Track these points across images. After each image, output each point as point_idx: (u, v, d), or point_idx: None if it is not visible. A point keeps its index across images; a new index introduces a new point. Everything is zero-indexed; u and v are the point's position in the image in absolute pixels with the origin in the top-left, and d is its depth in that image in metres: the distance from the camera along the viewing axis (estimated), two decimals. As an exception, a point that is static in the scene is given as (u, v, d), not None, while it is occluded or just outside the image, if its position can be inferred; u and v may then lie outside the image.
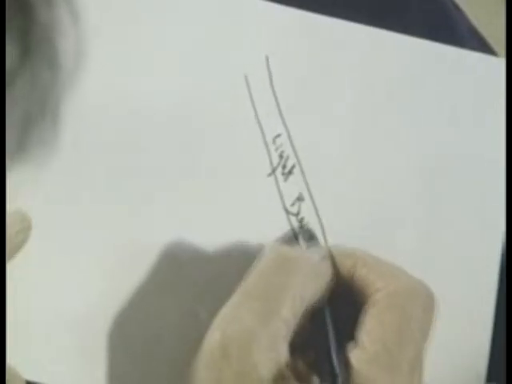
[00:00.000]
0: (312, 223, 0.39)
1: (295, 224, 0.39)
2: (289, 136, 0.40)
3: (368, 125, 0.40)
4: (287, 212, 0.39)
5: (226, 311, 0.30)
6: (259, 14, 0.40)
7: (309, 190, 0.40)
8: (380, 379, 0.29)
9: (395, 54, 0.41)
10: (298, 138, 0.40)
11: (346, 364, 0.30)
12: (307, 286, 0.31)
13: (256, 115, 0.40)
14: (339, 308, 0.33)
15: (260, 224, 0.39)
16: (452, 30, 0.44)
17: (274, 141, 0.40)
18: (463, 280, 0.40)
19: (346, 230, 0.40)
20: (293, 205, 0.39)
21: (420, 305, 0.31)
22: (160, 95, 0.39)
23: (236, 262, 0.37)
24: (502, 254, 0.39)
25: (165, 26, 0.39)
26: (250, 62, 0.40)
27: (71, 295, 0.37)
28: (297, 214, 0.39)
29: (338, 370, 0.30)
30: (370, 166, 0.40)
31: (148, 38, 0.39)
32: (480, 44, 0.45)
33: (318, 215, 0.39)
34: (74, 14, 0.19)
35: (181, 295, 0.38)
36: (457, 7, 0.45)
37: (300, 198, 0.39)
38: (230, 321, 0.29)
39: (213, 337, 0.29)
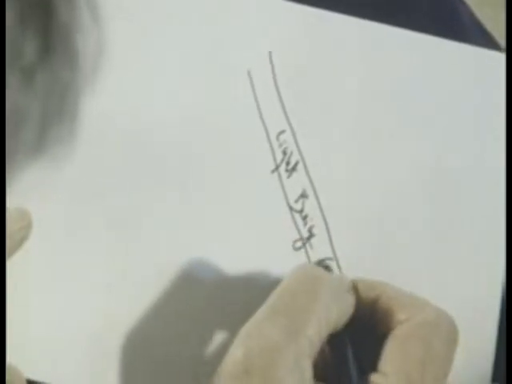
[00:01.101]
0: (316, 220, 0.39)
1: (299, 222, 0.39)
2: (292, 132, 0.39)
3: (372, 121, 0.40)
4: (291, 209, 0.39)
5: (250, 326, 0.30)
6: (262, 8, 0.40)
7: (313, 186, 0.39)
8: None
9: (401, 50, 0.41)
10: (301, 134, 0.40)
11: None
12: (333, 310, 0.31)
13: (259, 111, 0.39)
14: (360, 337, 0.33)
15: (263, 221, 0.39)
16: (456, 24, 0.44)
17: (277, 137, 0.39)
18: (468, 283, 0.40)
19: (351, 226, 0.39)
20: (297, 201, 0.39)
21: (443, 336, 0.31)
22: (163, 94, 0.39)
23: (255, 288, 0.37)
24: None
25: (168, 23, 0.39)
26: (253, 57, 0.39)
27: (85, 312, 0.37)
28: (301, 211, 0.39)
29: None
30: (375, 162, 0.40)
31: (151, 36, 0.39)
32: (485, 38, 0.45)
33: (322, 212, 0.39)
34: (94, 14, 0.19)
35: (197, 317, 0.38)
36: (461, 1, 0.45)
37: (304, 195, 0.39)
38: (254, 336, 0.29)
39: (236, 351, 0.29)
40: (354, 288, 0.34)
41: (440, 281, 0.40)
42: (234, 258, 0.38)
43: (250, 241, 0.39)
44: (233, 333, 0.31)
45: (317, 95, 0.40)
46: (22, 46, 0.16)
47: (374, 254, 0.39)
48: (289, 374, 0.28)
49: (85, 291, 0.37)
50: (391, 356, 0.31)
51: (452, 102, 0.41)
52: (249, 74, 0.39)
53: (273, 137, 0.39)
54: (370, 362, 0.31)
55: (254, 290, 0.38)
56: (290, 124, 0.39)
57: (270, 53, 0.40)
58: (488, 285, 0.40)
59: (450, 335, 0.31)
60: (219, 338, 0.37)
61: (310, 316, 0.30)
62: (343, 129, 0.40)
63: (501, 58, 0.41)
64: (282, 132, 0.39)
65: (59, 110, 0.18)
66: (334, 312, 0.31)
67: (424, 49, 0.41)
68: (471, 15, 0.45)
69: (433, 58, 0.41)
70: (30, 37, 0.17)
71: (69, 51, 0.18)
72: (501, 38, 0.45)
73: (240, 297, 0.38)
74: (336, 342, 0.32)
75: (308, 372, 0.29)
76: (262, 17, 0.40)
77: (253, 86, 0.39)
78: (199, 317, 0.37)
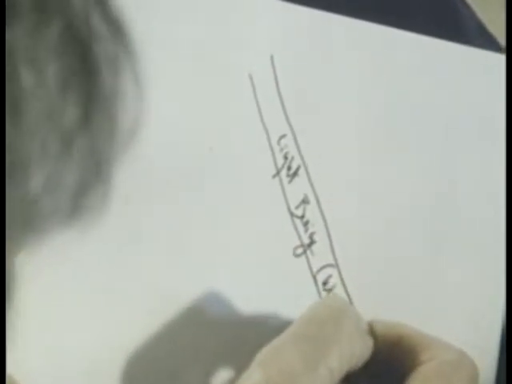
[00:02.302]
0: (317, 226, 0.39)
1: (300, 228, 0.38)
2: (294, 137, 0.39)
3: (375, 126, 0.40)
4: (292, 214, 0.39)
5: (271, 349, 0.30)
6: (264, 11, 0.39)
7: (314, 192, 0.39)
8: None
9: (403, 53, 0.40)
10: (303, 139, 0.39)
11: None
12: (357, 345, 0.31)
13: (260, 115, 0.39)
14: (378, 377, 0.33)
15: (264, 227, 0.38)
16: (460, 26, 0.43)
17: (278, 142, 0.39)
18: (470, 295, 0.40)
19: (352, 233, 0.39)
20: (298, 207, 0.39)
21: (465, 377, 0.31)
22: (162, 97, 0.38)
23: (266, 327, 0.36)
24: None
25: (168, 25, 0.38)
26: (254, 61, 0.39)
27: (86, 338, 0.36)
28: (302, 217, 0.39)
29: None
30: (377, 167, 0.40)
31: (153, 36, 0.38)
32: (488, 40, 0.44)
33: (323, 218, 0.39)
34: (137, 81, 0.18)
35: (201, 352, 0.37)
36: (464, 3, 0.44)
37: (305, 201, 0.39)
38: (274, 359, 0.29)
39: (255, 374, 0.29)
40: (372, 330, 0.33)
41: (441, 283, 0.39)
42: (234, 266, 0.38)
43: (249, 247, 0.38)
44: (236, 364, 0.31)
45: (319, 99, 0.39)
46: (62, 112, 0.16)
47: (377, 260, 0.39)
48: None
49: (86, 317, 0.36)
50: None
51: (452, 104, 0.41)
52: (250, 77, 0.39)
53: (274, 141, 0.39)
54: None
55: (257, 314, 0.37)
56: (291, 128, 0.39)
57: (272, 56, 0.39)
58: (489, 300, 0.39)
59: (471, 376, 0.31)
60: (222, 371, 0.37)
61: (334, 347, 0.29)
62: (345, 133, 0.39)
63: (501, 59, 0.41)
64: (283, 136, 0.39)
65: (93, 179, 0.18)
66: (358, 347, 0.31)
67: (427, 52, 0.40)
68: (475, 18, 0.44)
69: (435, 61, 0.41)
70: (72, 103, 0.16)
71: (108, 120, 0.17)
72: (500, 37, 0.44)
73: (247, 333, 0.37)
74: (353, 379, 0.32)
75: None
76: (264, 19, 0.39)
77: (254, 89, 0.39)
78: (203, 347, 0.37)
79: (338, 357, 0.29)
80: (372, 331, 0.33)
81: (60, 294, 0.36)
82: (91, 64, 0.17)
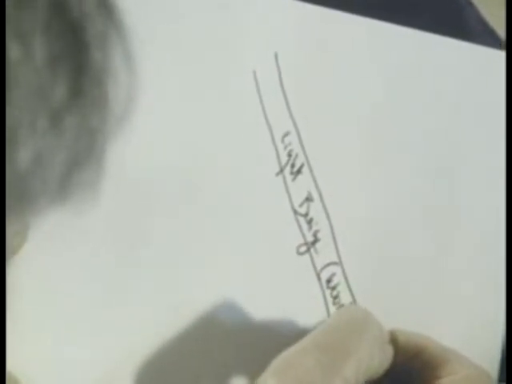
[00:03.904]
0: (321, 224, 0.38)
1: (304, 226, 0.38)
2: (298, 134, 0.39)
3: (379, 124, 0.39)
4: (295, 212, 0.38)
5: (287, 357, 0.29)
6: (269, 7, 0.39)
7: (318, 189, 0.39)
8: None
9: (408, 50, 0.40)
10: (307, 136, 0.39)
11: None
12: (375, 357, 0.31)
13: (264, 112, 0.38)
14: None
15: (267, 224, 0.38)
16: (462, 23, 0.43)
17: (282, 139, 0.39)
18: (476, 281, 0.39)
19: (356, 230, 0.39)
20: (301, 205, 0.38)
21: None
22: (166, 95, 0.38)
23: (276, 333, 0.36)
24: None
25: (173, 20, 0.38)
26: (258, 57, 0.39)
27: (98, 350, 0.36)
28: (305, 215, 0.38)
29: None
30: (381, 165, 0.39)
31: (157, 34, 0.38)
32: (490, 36, 0.44)
33: (327, 216, 0.38)
34: (128, 56, 0.18)
35: (215, 359, 0.37)
36: (468, 1, 0.44)
37: (309, 199, 0.38)
38: (290, 367, 0.29)
39: (270, 380, 0.28)
40: (394, 340, 0.33)
41: (444, 281, 0.39)
42: (237, 264, 0.38)
43: (253, 245, 0.38)
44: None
45: (323, 97, 0.39)
46: (51, 88, 0.16)
47: (380, 258, 0.38)
48: None
49: (98, 329, 0.36)
50: None
51: (454, 101, 0.40)
52: (254, 74, 0.39)
53: (278, 138, 0.39)
54: None
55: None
56: (295, 126, 0.39)
57: (276, 53, 0.39)
58: (494, 284, 0.39)
59: None
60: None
61: (351, 357, 0.29)
62: (349, 131, 0.39)
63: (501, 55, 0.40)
64: (287, 134, 0.39)
65: (86, 155, 0.18)
66: (376, 359, 0.31)
67: (432, 49, 0.40)
68: (478, 14, 0.44)
69: (437, 58, 0.40)
70: (61, 79, 0.16)
71: (100, 96, 0.17)
72: (501, 31, 0.44)
73: (258, 340, 0.37)
74: None
75: None
76: (270, 16, 0.39)
77: (258, 86, 0.39)
78: (214, 356, 0.37)
79: (355, 368, 0.29)
80: (393, 340, 0.33)
81: (73, 306, 0.35)
82: (80, 39, 0.17)
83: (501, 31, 0.43)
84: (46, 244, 0.31)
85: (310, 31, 0.39)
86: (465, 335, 0.38)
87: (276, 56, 0.39)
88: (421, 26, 0.40)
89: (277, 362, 0.29)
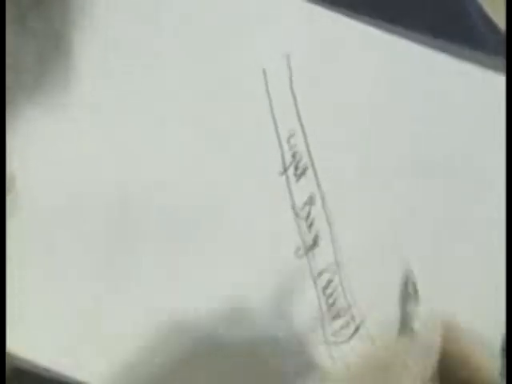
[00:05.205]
0: (321, 229, 0.38)
1: (304, 229, 0.38)
2: (304, 136, 0.38)
3: (386, 129, 0.39)
4: (297, 215, 0.38)
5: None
6: (283, 9, 0.39)
7: (321, 192, 0.38)
8: None
9: (414, 63, 0.40)
10: (313, 139, 0.38)
11: None
12: (427, 367, 0.29)
13: (271, 111, 0.38)
14: None
15: (267, 224, 0.37)
16: (464, 17, 0.43)
17: (288, 140, 0.38)
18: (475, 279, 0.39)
19: (358, 237, 0.38)
20: (303, 207, 0.38)
21: None
22: (176, 83, 0.38)
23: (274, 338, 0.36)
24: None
25: (186, 19, 0.38)
26: (270, 56, 0.38)
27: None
28: (306, 217, 0.38)
29: None
30: (386, 171, 0.39)
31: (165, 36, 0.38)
32: (492, 31, 0.44)
33: (328, 219, 0.38)
34: None
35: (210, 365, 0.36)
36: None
37: (311, 202, 0.38)
38: None
39: None
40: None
41: (445, 289, 0.38)
42: (235, 260, 0.37)
43: (252, 245, 0.37)
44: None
45: (332, 101, 0.39)
46: None
47: (380, 265, 0.38)
48: None
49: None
50: None
51: (454, 117, 0.40)
52: (264, 72, 0.38)
53: (283, 139, 0.38)
54: None
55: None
56: (302, 127, 0.38)
57: (288, 54, 0.39)
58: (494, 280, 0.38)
59: None
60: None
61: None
62: (356, 136, 0.39)
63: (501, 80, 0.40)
64: (293, 135, 0.38)
65: (54, 52, 0.18)
66: (429, 368, 0.29)
67: (438, 66, 0.40)
68: (480, 9, 0.44)
69: (443, 75, 0.40)
70: None
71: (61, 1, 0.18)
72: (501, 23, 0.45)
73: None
74: None
75: None
76: (282, 17, 0.39)
77: (267, 85, 0.38)
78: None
79: None
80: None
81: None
82: None
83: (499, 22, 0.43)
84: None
85: (321, 34, 0.39)
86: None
87: (288, 56, 0.38)
88: (421, 20, 0.40)
89: None
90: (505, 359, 0.31)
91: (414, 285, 0.37)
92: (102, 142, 0.36)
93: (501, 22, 0.43)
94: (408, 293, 0.37)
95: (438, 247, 0.38)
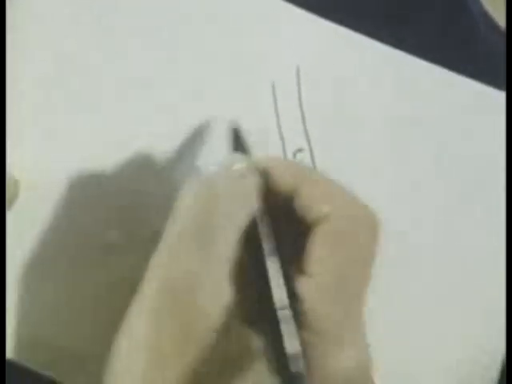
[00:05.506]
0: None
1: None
2: (311, 152, 0.37)
3: (395, 147, 0.38)
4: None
5: (161, 259, 0.26)
6: (295, 22, 0.38)
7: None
8: (333, 315, 0.26)
9: (425, 82, 0.39)
10: (320, 155, 0.37)
11: (294, 296, 0.26)
12: (234, 213, 0.27)
13: (279, 125, 0.37)
14: (279, 234, 0.28)
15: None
16: (466, 15, 0.43)
17: (294, 155, 0.37)
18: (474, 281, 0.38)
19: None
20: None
21: (369, 231, 0.28)
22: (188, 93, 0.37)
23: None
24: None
25: (197, 27, 0.38)
26: (279, 69, 0.38)
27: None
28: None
29: (278, 304, 0.26)
30: (393, 189, 0.38)
31: (178, 36, 0.37)
32: (493, 29, 0.44)
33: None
34: None
35: None
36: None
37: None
38: (169, 270, 0.26)
39: (154, 287, 0.26)
40: (266, 171, 0.29)
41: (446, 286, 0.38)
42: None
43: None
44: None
45: (340, 118, 0.38)
46: None
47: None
48: (210, 302, 0.25)
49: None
50: (317, 255, 0.27)
51: (458, 132, 0.40)
52: (273, 85, 0.38)
53: (289, 154, 0.37)
54: (293, 259, 0.27)
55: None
56: (309, 143, 0.37)
57: (298, 68, 0.38)
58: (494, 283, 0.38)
59: (374, 228, 0.28)
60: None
61: (215, 231, 0.26)
62: (364, 156, 0.38)
63: (500, 95, 0.40)
64: (300, 150, 0.37)
65: None
66: (238, 212, 0.27)
67: (448, 84, 0.39)
68: (481, 7, 0.44)
69: (455, 94, 0.39)
70: None
71: None
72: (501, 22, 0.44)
73: None
74: (253, 242, 0.28)
75: (229, 297, 0.26)
76: (294, 31, 0.38)
77: (275, 98, 0.37)
78: None
79: (224, 241, 0.26)
80: (264, 174, 0.29)
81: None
82: None
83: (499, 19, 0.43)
84: None
85: (332, 49, 0.38)
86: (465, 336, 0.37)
87: (298, 70, 0.38)
88: (423, 17, 0.40)
89: (153, 267, 0.26)
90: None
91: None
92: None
93: (501, 20, 0.43)
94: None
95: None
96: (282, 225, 0.28)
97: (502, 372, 0.38)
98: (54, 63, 0.37)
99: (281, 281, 0.27)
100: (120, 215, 0.35)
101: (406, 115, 0.39)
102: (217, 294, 0.26)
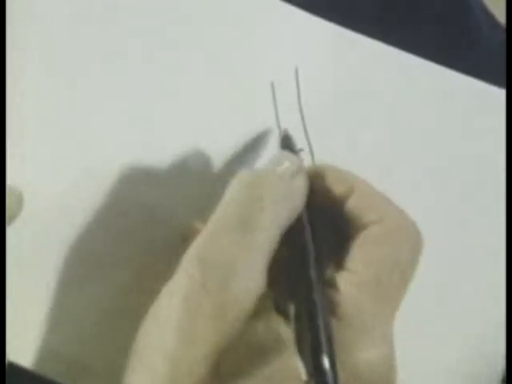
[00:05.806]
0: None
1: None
2: (311, 154, 0.37)
3: (394, 154, 0.38)
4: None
5: (201, 241, 0.27)
6: (295, 22, 0.38)
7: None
8: (369, 308, 0.28)
9: (425, 81, 0.39)
10: (320, 156, 0.37)
11: (332, 289, 0.28)
12: (280, 209, 0.28)
13: (278, 125, 0.37)
14: (324, 234, 0.30)
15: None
16: (467, 13, 0.43)
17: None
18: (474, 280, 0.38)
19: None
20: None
21: (411, 241, 0.30)
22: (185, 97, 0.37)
23: None
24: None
25: (198, 28, 0.38)
26: (279, 69, 0.38)
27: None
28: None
29: (316, 295, 0.27)
30: (394, 193, 0.38)
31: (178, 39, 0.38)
32: (494, 25, 0.44)
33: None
34: None
35: None
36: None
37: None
38: (208, 252, 0.27)
39: (190, 269, 0.27)
40: (318, 175, 0.31)
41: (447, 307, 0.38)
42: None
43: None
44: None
45: (340, 119, 0.38)
46: None
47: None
48: (245, 290, 0.26)
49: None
50: (362, 254, 0.29)
51: (459, 131, 0.40)
52: (272, 85, 0.38)
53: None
54: (334, 258, 0.29)
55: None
56: (309, 144, 0.37)
57: (297, 68, 0.38)
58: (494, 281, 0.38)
59: (417, 241, 0.30)
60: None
61: (258, 224, 0.27)
62: (364, 157, 0.38)
63: (501, 93, 0.40)
64: (300, 151, 0.37)
65: None
66: (283, 209, 0.28)
67: (449, 83, 0.39)
68: (481, 3, 0.44)
69: (454, 92, 0.39)
70: None
71: None
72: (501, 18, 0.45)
73: None
74: (296, 238, 0.29)
75: (263, 286, 0.27)
76: (292, 30, 0.38)
77: (274, 98, 0.37)
78: None
79: (265, 235, 0.27)
80: (317, 177, 0.31)
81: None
82: None
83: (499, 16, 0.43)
84: None
85: (331, 49, 0.38)
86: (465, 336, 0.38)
87: (297, 71, 0.38)
88: (423, 15, 0.40)
89: (192, 251, 0.27)
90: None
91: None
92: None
93: (501, 18, 0.43)
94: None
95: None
96: (324, 225, 0.30)
97: (502, 372, 0.38)
98: (53, 63, 0.37)
99: (318, 273, 0.28)
100: (133, 227, 0.35)
101: (406, 115, 0.39)
102: (251, 282, 0.27)
